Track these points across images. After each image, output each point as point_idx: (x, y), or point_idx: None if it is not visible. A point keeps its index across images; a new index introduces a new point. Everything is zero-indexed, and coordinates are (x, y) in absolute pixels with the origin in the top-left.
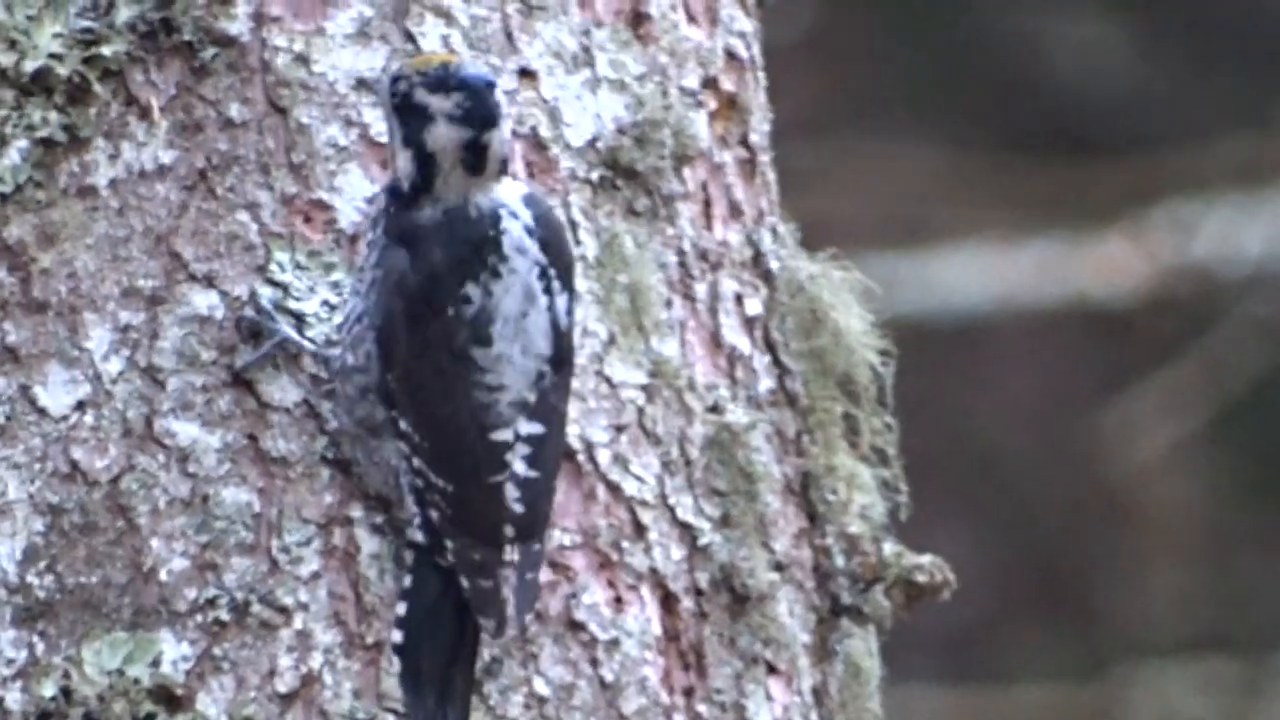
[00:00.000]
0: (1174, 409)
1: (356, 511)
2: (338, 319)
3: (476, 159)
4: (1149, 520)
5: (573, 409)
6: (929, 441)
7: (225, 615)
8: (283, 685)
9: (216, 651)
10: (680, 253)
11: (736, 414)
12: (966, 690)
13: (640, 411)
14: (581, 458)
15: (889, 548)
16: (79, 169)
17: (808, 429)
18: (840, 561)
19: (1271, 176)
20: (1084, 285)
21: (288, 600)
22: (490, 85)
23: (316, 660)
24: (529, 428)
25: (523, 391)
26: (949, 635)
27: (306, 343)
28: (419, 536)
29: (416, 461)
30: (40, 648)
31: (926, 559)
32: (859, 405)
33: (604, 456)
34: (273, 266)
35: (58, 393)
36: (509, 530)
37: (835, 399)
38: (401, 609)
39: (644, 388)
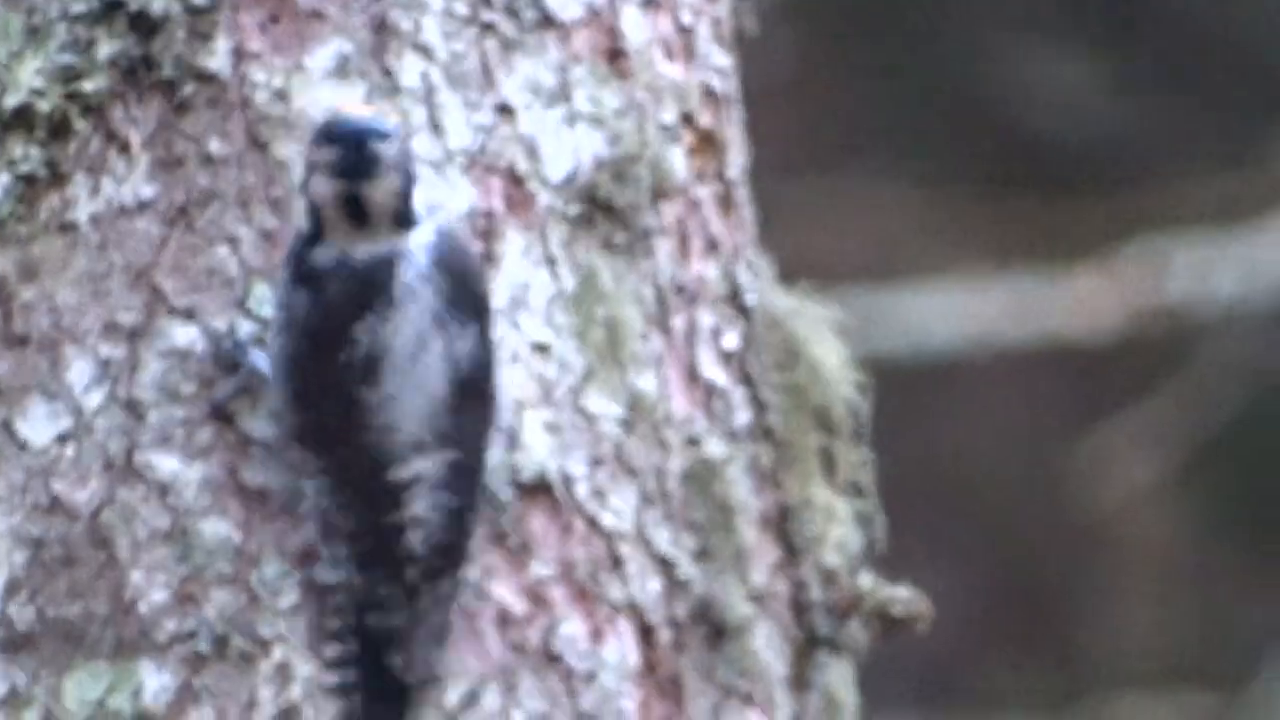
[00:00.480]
0: (1148, 446)
1: None
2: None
3: (357, 211)
4: (1124, 554)
5: (550, 441)
6: (906, 475)
7: (205, 647)
8: (262, 716)
9: (197, 683)
10: (657, 287)
11: (714, 447)
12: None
13: (618, 445)
14: (559, 490)
15: (865, 580)
16: (60, 204)
17: (784, 462)
18: (817, 593)
19: (1244, 216)
20: (1058, 323)
21: (267, 632)
22: (372, 135)
23: (296, 691)
24: (423, 464)
25: (418, 432)
26: (926, 665)
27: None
28: (330, 578)
29: (324, 501)
30: (21, 679)
31: (903, 591)
32: (835, 438)
33: (581, 489)
34: (252, 301)
35: (39, 425)
36: (411, 571)
37: (812, 432)
38: (329, 651)
39: (621, 421)
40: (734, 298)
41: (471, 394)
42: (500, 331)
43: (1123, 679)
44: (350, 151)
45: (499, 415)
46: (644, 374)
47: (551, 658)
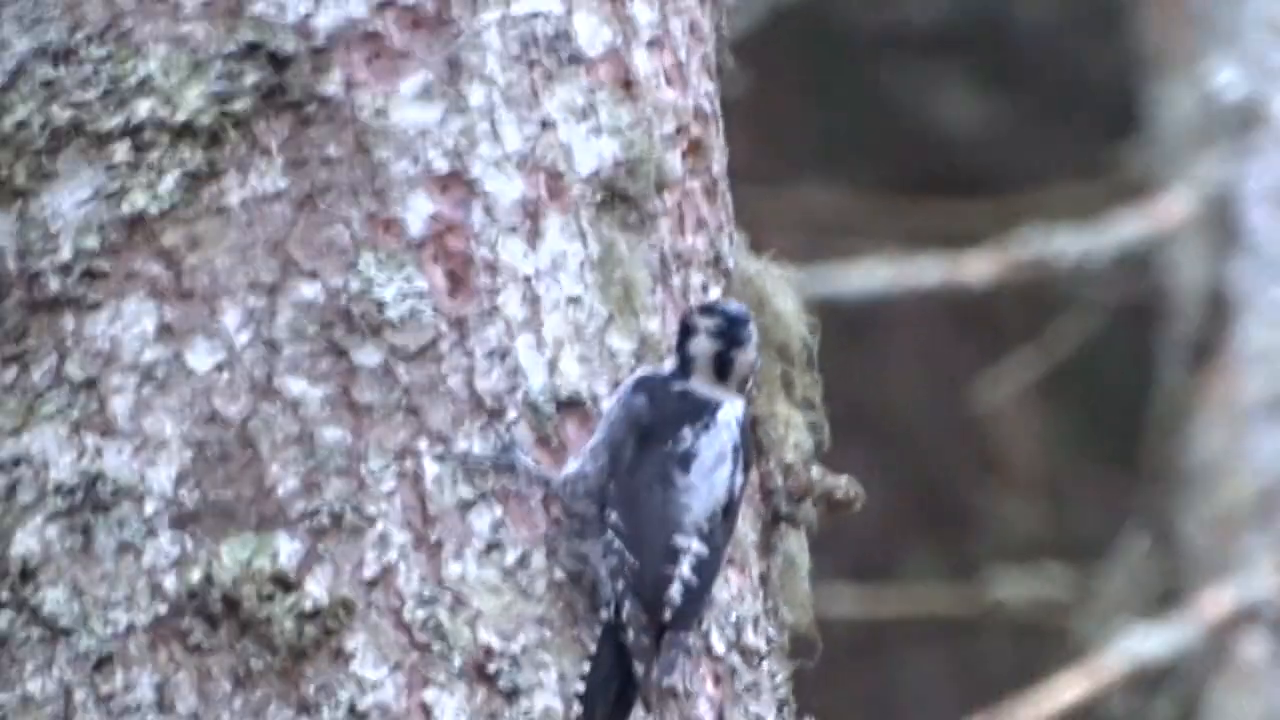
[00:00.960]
0: (1025, 369)
1: (422, 445)
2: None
3: (722, 369)
4: (1005, 459)
5: (581, 369)
6: (845, 393)
7: (326, 521)
8: (368, 573)
9: (319, 548)
10: (661, 254)
11: None
12: (868, 586)
13: (632, 371)
14: (588, 406)
15: (815, 472)
16: (216, 193)
17: (755, 384)
18: (779, 481)
19: (1095, 211)
20: (955, 275)
21: (371, 510)
22: (745, 321)
23: (393, 554)
24: (698, 546)
25: (701, 519)
26: (858, 546)
27: (536, 474)
28: (608, 615)
29: (617, 544)
30: (190, 545)
31: (843, 479)
32: (793, 366)
33: (606, 405)
34: (360, 265)
35: (201, 357)
36: (667, 613)
37: (775, 362)
38: (587, 667)
39: (634, 354)
40: (717, 262)
41: (728, 515)
42: (544, 288)
43: (1006, 555)
44: (729, 325)
45: (729, 547)
46: (651, 319)
47: (578, 531)
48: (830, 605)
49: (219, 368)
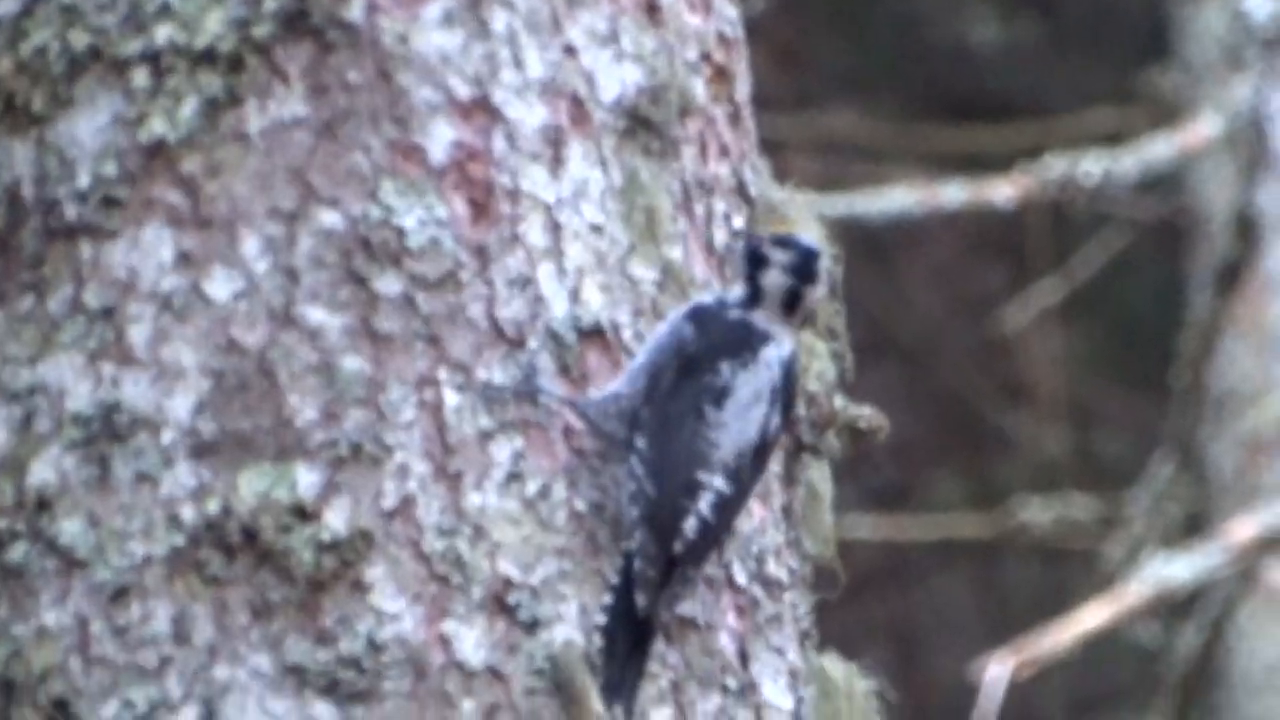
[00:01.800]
0: (1051, 292)
1: (442, 374)
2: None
3: (794, 302)
4: (1031, 380)
5: (603, 298)
6: (869, 317)
7: (345, 452)
8: (388, 503)
9: (339, 479)
10: (683, 182)
11: None
12: (892, 512)
13: (654, 300)
14: (610, 335)
15: (839, 401)
16: (236, 120)
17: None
18: (803, 411)
19: (1129, 133)
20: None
21: (390, 441)
22: (818, 257)
23: (413, 485)
24: (721, 484)
25: (729, 457)
26: (884, 475)
27: (562, 397)
28: (627, 544)
29: (639, 470)
30: (207, 475)
31: (867, 410)
32: None
33: (627, 334)
34: (381, 193)
35: (220, 286)
36: (678, 545)
37: None
38: (608, 599)
39: (656, 282)
40: (740, 190)
41: (760, 457)
42: (566, 216)
43: (1031, 480)
44: (804, 260)
45: (757, 488)
46: (673, 247)
47: (601, 456)
48: (853, 531)
49: (237, 296)
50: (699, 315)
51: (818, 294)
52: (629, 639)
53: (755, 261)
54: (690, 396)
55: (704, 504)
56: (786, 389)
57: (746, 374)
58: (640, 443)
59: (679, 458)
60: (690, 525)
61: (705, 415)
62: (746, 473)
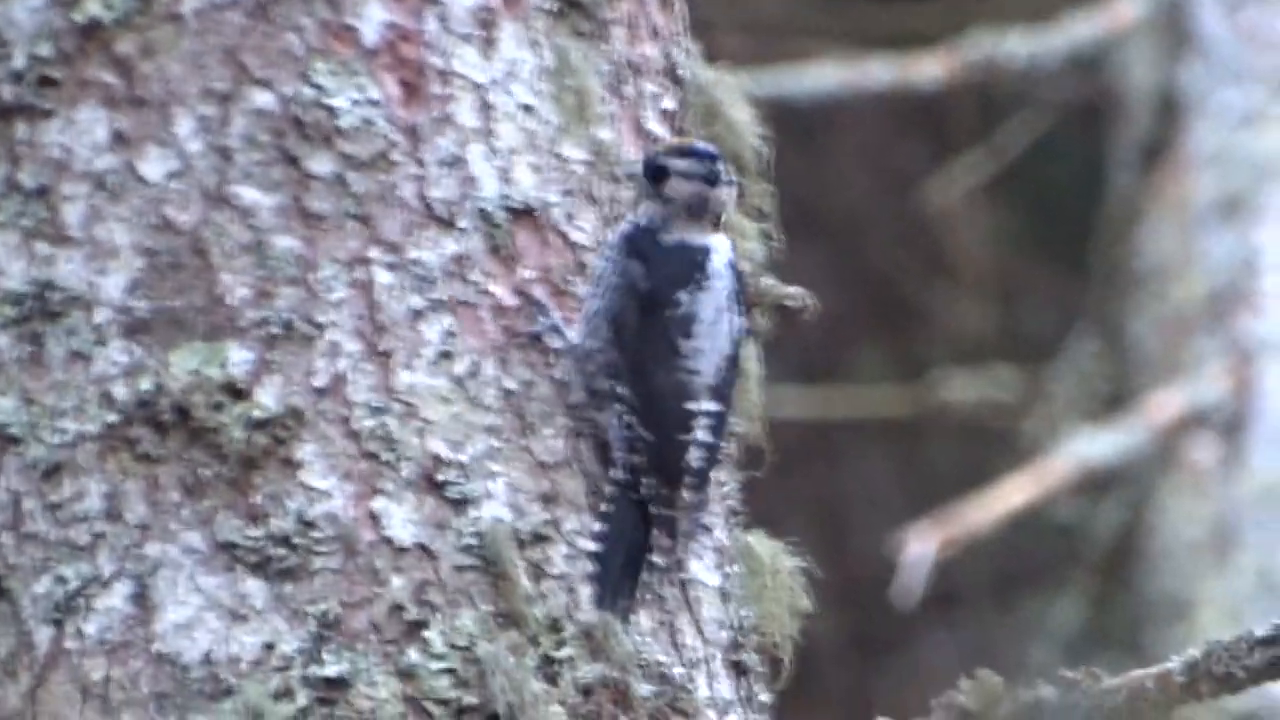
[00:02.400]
0: (974, 170)
1: (374, 253)
2: (584, 309)
3: (698, 206)
4: (955, 257)
5: (534, 178)
6: (794, 196)
7: (277, 330)
8: (319, 382)
9: (270, 357)
10: (614, 64)
11: None
12: (816, 388)
13: (584, 180)
14: (539, 214)
15: (766, 280)
16: (170, 1)
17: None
18: None
19: (1052, 12)
20: (908, 78)
21: (322, 319)
22: (718, 159)
23: (344, 363)
24: (711, 405)
25: (710, 379)
26: (811, 348)
27: (563, 338)
28: (620, 475)
29: (629, 419)
30: (140, 354)
31: (794, 288)
32: (746, 175)
33: (556, 213)
34: (313, 73)
35: (154, 165)
36: (687, 478)
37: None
38: (598, 527)
39: (587, 163)
40: (670, 71)
41: (734, 363)
42: (497, 97)
43: (954, 357)
44: (706, 165)
45: (740, 388)
46: (603, 128)
47: (534, 338)
48: (778, 407)
49: (171, 176)
50: (637, 247)
51: (724, 195)
52: (620, 564)
53: (657, 174)
54: (659, 335)
55: (700, 431)
56: (740, 288)
57: (704, 295)
58: (622, 390)
59: (666, 397)
60: (694, 456)
61: (679, 348)
62: (727, 382)
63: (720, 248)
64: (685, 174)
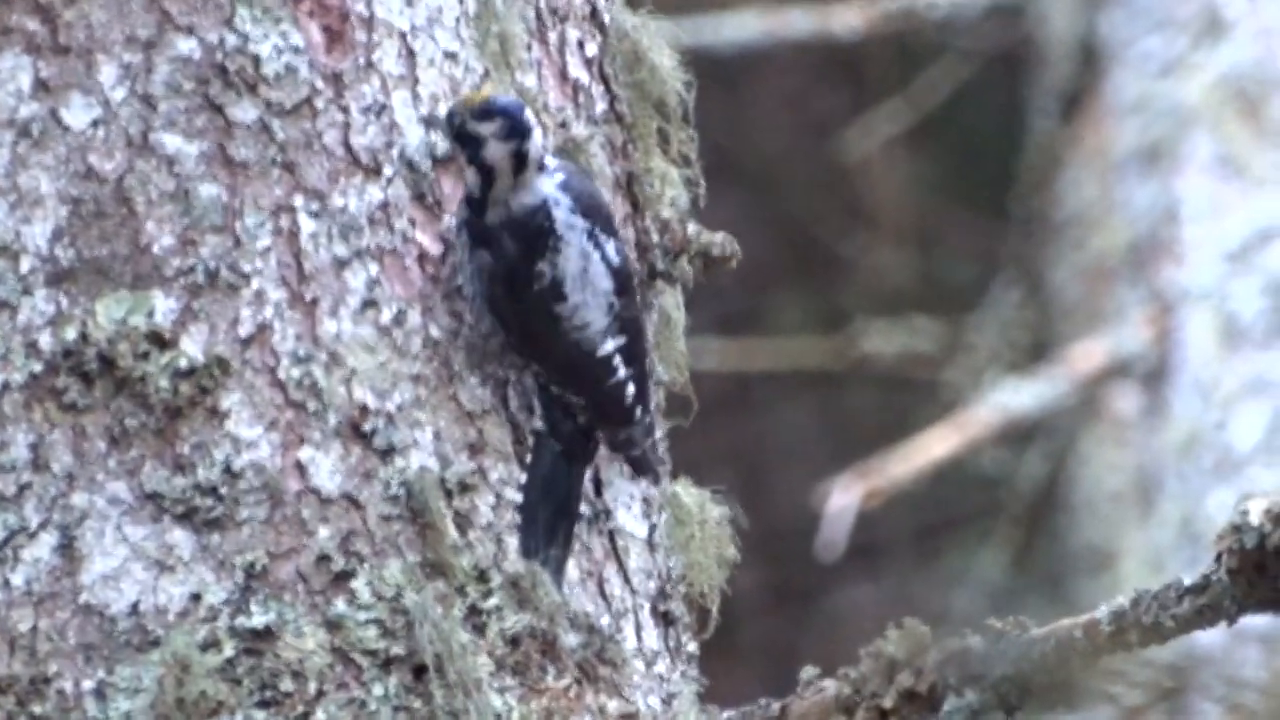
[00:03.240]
0: (894, 119)
1: (298, 201)
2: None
3: (519, 164)
4: (875, 207)
5: None
6: (714, 144)
7: (202, 279)
8: (244, 331)
9: (195, 306)
10: (537, 9)
11: (579, 128)
12: (737, 339)
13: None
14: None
15: (691, 228)
16: None
17: (631, 140)
18: (656, 238)
19: None
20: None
21: (247, 268)
22: (521, 108)
23: (269, 312)
24: (616, 341)
25: (602, 319)
26: (732, 298)
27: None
28: (539, 424)
29: (555, 388)
30: (64, 303)
31: (719, 236)
32: (670, 122)
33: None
34: (236, 20)
35: (78, 113)
36: (636, 414)
37: (652, 117)
38: (523, 478)
39: None
40: (594, 16)
41: (625, 287)
42: (421, 43)
43: (875, 307)
44: (512, 120)
45: (641, 303)
46: (527, 75)
47: (458, 287)
48: (698, 359)
49: (95, 124)
50: (477, 232)
51: (536, 140)
52: (550, 517)
53: (470, 143)
54: (535, 309)
55: (620, 369)
56: (596, 217)
57: (561, 253)
58: (537, 367)
59: (571, 359)
60: (627, 394)
61: (558, 314)
62: (626, 308)
63: (559, 195)
64: (498, 135)
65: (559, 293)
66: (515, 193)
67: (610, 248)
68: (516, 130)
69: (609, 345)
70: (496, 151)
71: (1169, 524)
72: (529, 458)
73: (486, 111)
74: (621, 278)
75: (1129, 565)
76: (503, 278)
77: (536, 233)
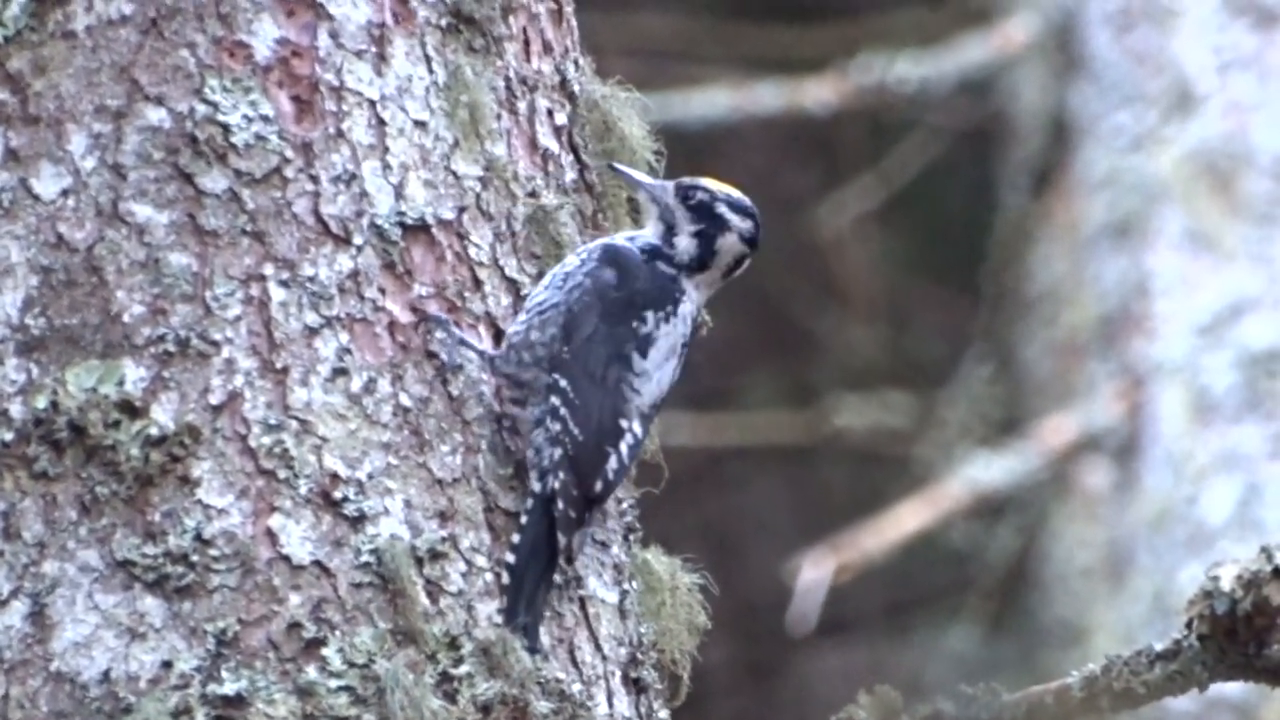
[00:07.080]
0: (866, 195)
1: (269, 270)
2: (529, 303)
3: (735, 268)
4: (847, 283)
5: (427, 194)
6: None
7: (172, 347)
8: (214, 399)
9: (166, 374)
10: (507, 79)
11: (549, 197)
12: (708, 414)
13: (478, 196)
14: (435, 231)
15: None
16: (63, 18)
17: (601, 209)
18: None
19: (942, 35)
20: (799, 103)
21: (218, 336)
22: (761, 221)
23: (239, 380)
24: (637, 429)
25: (645, 406)
26: (704, 375)
27: (473, 348)
28: (538, 488)
29: (563, 411)
30: (35, 372)
31: None
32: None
33: (451, 229)
34: (207, 90)
35: (48, 183)
36: (598, 486)
37: (621, 187)
38: (516, 539)
39: (480, 179)
40: (563, 86)
41: (659, 406)
42: (390, 113)
43: (847, 382)
44: (758, 228)
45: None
46: (497, 144)
47: (430, 355)
48: (670, 434)
49: (65, 193)
50: (616, 258)
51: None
52: (537, 574)
53: (716, 222)
54: (617, 342)
55: (624, 449)
56: (689, 344)
57: (668, 326)
58: (564, 384)
59: (605, 404)
60: (611, 467)
61: (631, 363)
62: (651, 419)
63: (692, 296)
64: (744, 236)
65: (645, 346)
66: (681, 272)
67: (678, 375)
68: (755, 243)
69: (633, 426)
70: (733, 247)
71: (1141, 599)
72: (524, 519)
73: (746, 210)
74: (662, 401)
75: (1101, 640)
76: (611, 301)
77: (666, 294)
